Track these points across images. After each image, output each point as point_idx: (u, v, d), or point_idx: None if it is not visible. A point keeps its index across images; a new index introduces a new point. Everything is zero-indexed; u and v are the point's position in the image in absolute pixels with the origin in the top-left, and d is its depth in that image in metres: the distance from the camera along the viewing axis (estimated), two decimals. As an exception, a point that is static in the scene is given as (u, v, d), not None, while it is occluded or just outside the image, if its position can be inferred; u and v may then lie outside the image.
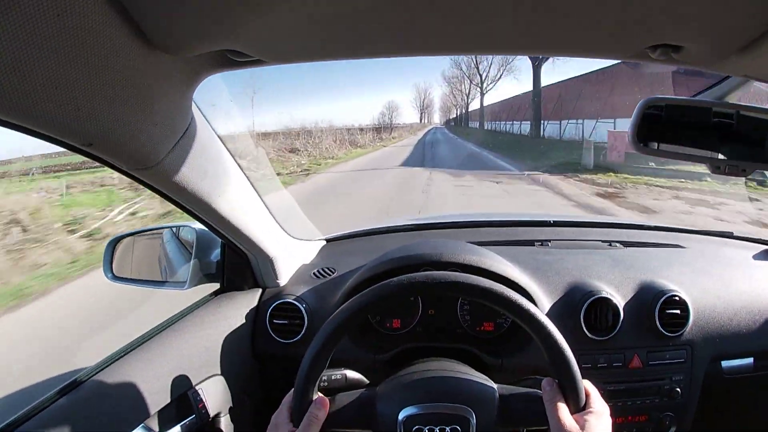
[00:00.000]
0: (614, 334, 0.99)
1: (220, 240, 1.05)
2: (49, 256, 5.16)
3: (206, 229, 0.94)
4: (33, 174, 10.41)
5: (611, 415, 0.64)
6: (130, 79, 0.49)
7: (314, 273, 1.15)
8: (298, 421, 0.64)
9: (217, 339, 0.98)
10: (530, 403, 0.67)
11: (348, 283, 1.06)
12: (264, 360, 1.09)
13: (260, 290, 1.12)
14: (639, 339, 1.01)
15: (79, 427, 0.69)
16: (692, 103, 0.68)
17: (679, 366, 1.01)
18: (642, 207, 7.00)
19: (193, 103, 0.66)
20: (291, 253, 1.17)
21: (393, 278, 0.66)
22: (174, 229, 1.30)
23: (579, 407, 0.63)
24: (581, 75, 17.99)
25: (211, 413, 0.90)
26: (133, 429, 0.76)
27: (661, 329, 0.99)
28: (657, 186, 8.68)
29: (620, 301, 1.00)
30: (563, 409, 0.61)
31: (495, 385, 0.71)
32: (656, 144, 0.68)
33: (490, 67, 33.43)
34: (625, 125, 0.71)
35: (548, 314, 0.99)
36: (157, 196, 0.72)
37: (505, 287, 0.65)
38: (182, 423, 0.84)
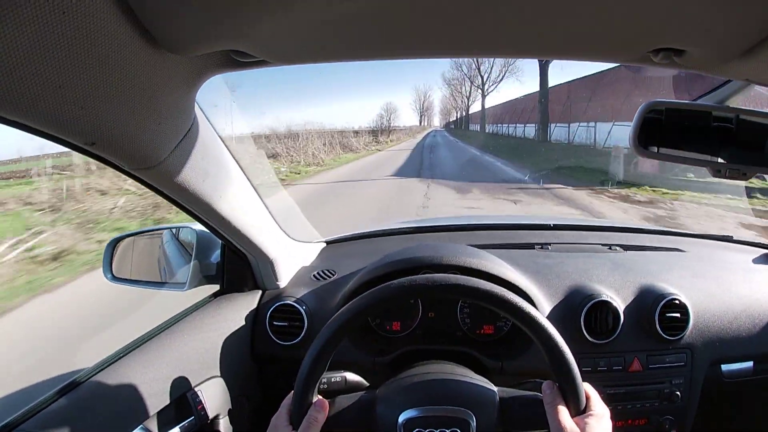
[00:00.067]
0: (614, 338, 0.99)
1: (220, 241, 1.05)
2: None
3: (206, 230, 0.94)
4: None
5: (611, 418, 0.64)
6: (134, 78, 0.49)
7: (314, 275, 1.15)
8: (297, 423, 0.64)
9: (216, 341, 0.98)
10: (530, 406, 0.67)
11: (348, 285, 1.06)
12: (263, 362, 1.09)
13: (260, 292, 1.12)
14: (639, 342, 1.01)
15: (78, 428, 0.69)
16: (692, 107, 0.68)
17: (679, 369, 1.01)
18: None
19: (195, 103, 0.66)
20: (291, 255, 1.16)
21: (393, 281, 0.66)
22: (174, 230, 1.30)
23: (579, 410, 0.63)
24: (593, 74, 15.98)
25: (210, 415, 0.90)
26: (132, 430, 0.75)
27: (661, 333, 0.99)
28: (707, 204, 6.86)
29: (620, 305, 1.00)
30: (564, 412, 0.61)
31: (495, 388, 0.71)
32: (656, 148, 0.68)
33: (491, 69, 33.00)
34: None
35: (548, 317, 0.98)
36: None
37: (505, 290, 0.65)
38: (181, 424, 0.84)
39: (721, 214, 6.30)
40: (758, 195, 6.65)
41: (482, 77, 33.99)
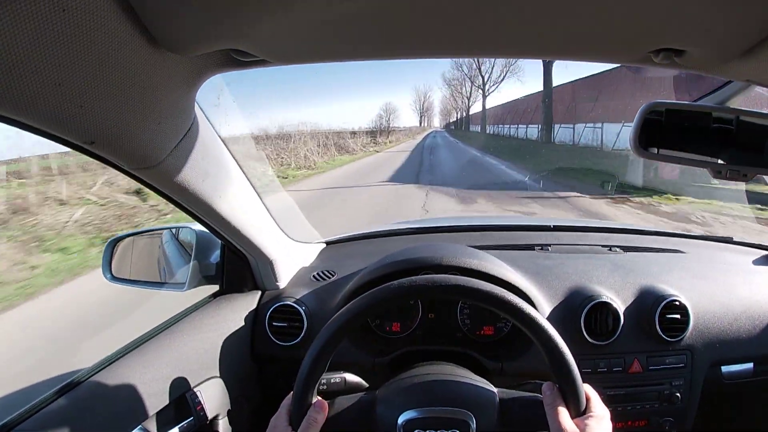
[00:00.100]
0: (614, 339, 0.99)
1: (220, 242, 1.05)
2: None
3: (206, 230, 0.94)
4: None
5: (611, 419, 0.63)
6: (134, 77, 0.49)
7: (314, 276, 1.15)
8: (297, 424, 0.64)
9: (216, 341, 0.97)
10: (530, 408, 0.67)
11: (348, 286, 1.06)
12: (263, 362, 1.09)
13: (260, 292, 1.12)
14: (639, 344, 1.01)
15: (77, 428, 0.69)
16: (692, 107, 0.68)
17: (678, 371, 1.01)
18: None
19: (195, 103, 0.66)
20: (291, 256, 1.16)
21: (393, 281, 0.66)
22: (173, 230, 1.30)
23: (579, 412, 0.62)
24: (599, 73, 15.09)
25: (209, 415, 0.90)
26: (131, 430, 0.75)
27: (661, 334, 0.99)
28: (741, 217, 5.92)
29: (620, 306, 1.00)
30: (564, 414, 0.61)
31: (495, 389, 0.71)
32: (656, 149, 0.68)
33: (492, 69, 32.56)
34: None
35: (548, 318, 0.98)
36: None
37: (505, 291, 0.65)
38: (180, 425, 0.84)
39: (762, 229, 5.61)
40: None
41: (483, 77, 33.69)
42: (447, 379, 0.73)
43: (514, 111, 27.25)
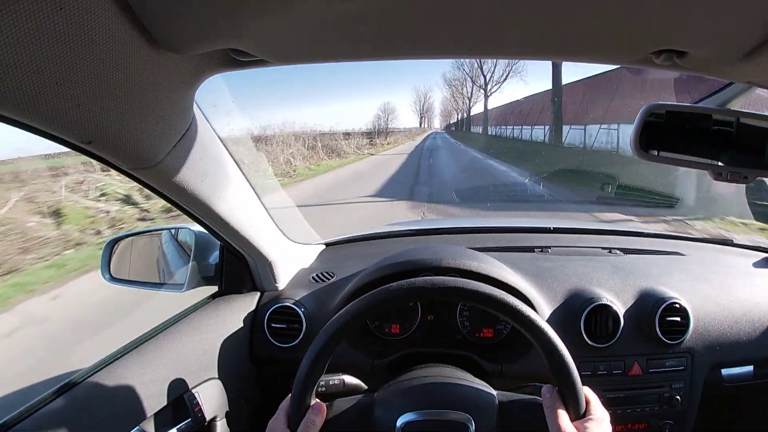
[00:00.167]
0: (614, 342, 0.99)
1: (219, 243, 1.05)
2: None
3: (205, 231, 0.94)
4: None
5: (611, 422, 0.63)
6: (132, 76, 0.48)
7: (313, 277, 1.15)
8: (295, 426, 0.64)
9: (214, 342, 0.97)
10: (530, 410, 0.67)
11: (347, 287, 1.06)
12: (262, 364, 1.09)
13: (258, 294, 1.11)
14: (639, 346, 1.00)
15: (75, 428, 0.69)
16: (692, 109, 0.68)
17: (679, 374, 1.00)
18: None
19: (194, 103, 0.66)
20: (290, 257, 1.16)
21: (392, 283, 0.66)
22: (173, 231, 1.30)
23: (579, 414, 0.62)
24: (613, 69, 11.72)
25: (207, 417, 0.89)
26: (129, 431, 0.75)
27: (661, 337, 0.98)
28: None
29: (620, 308, 1.00)
30: (563, 417, 0.61)
31: (494, 392, 0.70)
32: (657, 151, 0.68)
33: (494, 68, 31.70)
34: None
35: (548, 321, 0.98)
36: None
37: (505, 293, 0.64)
38: (178, 426, 0.84)
39: None
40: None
41: (485, 77, 32.95)
42: (446, 382, 0.73)
43: (517, 111, 25.86)
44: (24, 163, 6.86)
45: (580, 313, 0.99)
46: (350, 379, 0.78)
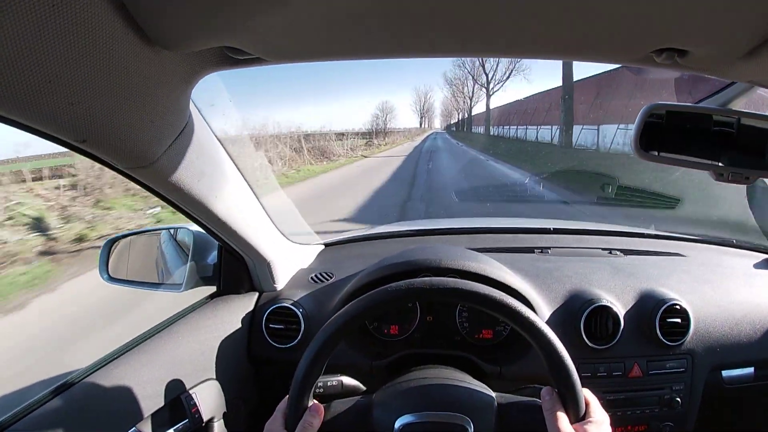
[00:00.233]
0: (614, 343, 0.98)
1: (217, 243, 1.04)
2: None
3: (203, 231, 0.94)
4: None
5: (611, 424, 0.63)
6: (126, 74, 0.48)
7: (312, 277, 1.15)
8: (292, 428, 0.63)
9: (212, 343, 0.97)
10: (529, 413, 0.66)
11: (346, 288, 1.05)
12: (260, 365, 1.08)
13: (257, 294, 1.11)
14: (639, 348, 1.00)
15: (71, 429, 0.69)
16: (693, 109, 0.68)
17: (679, 375, 1.00)
18: None
19: (191, 102, 0.66)
20: (288, 257, 1.16)
21: (391, 284, 0.66)
22: (172, 231, 1.29)
23: (579, 417, 0.62)
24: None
25: (205, 418, 0.89)
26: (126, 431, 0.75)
27: (661, 338, 0.98)
28: None
29: (620, 310, 0.99)
30: (563, 419, 0.61)
31: (493, 394, 0.70)
32: (657, 152, 0.67)
33: (497, 66, 30.63)
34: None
35: (548, 322, 0.98)
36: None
37: (504, 294, 0.64)
38: (175, 427, 0.83)
39: None
40: None
41: (487, 75, 31.87)
42: (444, 383, 0.73)
43: (521, 111, 24.26)
44: None
45: (580, 315, 0.98)
46: (348, 381, 0.78)
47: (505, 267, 1.05)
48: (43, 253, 5.30)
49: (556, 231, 1.39)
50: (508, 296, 0.64)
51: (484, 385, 0.73)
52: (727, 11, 0.40)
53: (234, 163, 0.87)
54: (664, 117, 0.66)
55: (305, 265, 1.22)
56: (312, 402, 0.66)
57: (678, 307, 0.99)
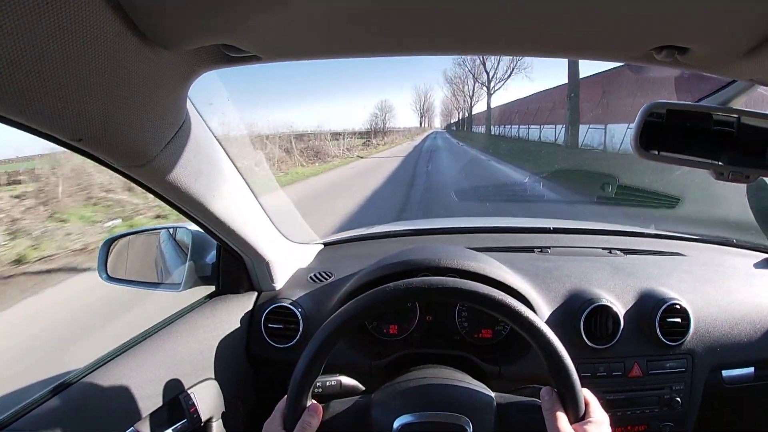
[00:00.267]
0: (614, 343, 0.98)
1: (216, 242, 1.04)
2: None
3: (202, 230, 0.93)
4: None
5: (610, 424, 0.63)
6: (122, 72, 0.48)
7: (311, 277, 1.14)
8: (290, 428, 0.63)
9: (211, 342, 0.97)
10: (528, 413, 0.66)
11: (345, 287, 1.05)
12: (258, 364, 1.08)
13: (256, 293, 1.11)
14: (639, 348, 0.99)
15: (69, 428, 0.69)
16: (693, 108, 0.67)
17: (679, 375, 1.00)
18: None
19: (188, 100, 0.65)
20: (287, 257, 1.15)
21: (390, 283, 0.65)
22: (171, 230, 1.29)
23: (578, 417, 0.62)
24: None
25: (203, 418, 0.89)
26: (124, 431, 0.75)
27: (661, 338, 0.98)
28: None
29: (620, 309, 0.99)
30: (562, 419, 0.60)
31: (492, 394, 0.70)
32: (657, 151, 0.67)
33: (498, 65, 30.36)
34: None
35: (547, 322, 0.97)
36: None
37: (503, 294, 0.64)
38: (173, 427, 0.83)
39: None
40: None
41: (488, 74, 31.66)
42: (443, 383, 0.72)
43: (523, 110, 24.13)
44: None
45: (580, 314, 0.98)
46: (347, 380, 0.77)
47: (505, 266, 1.04)
48: None
49: (556, 230, 1.39)
50: (507, 296, 0.63)
51: (483, 385, 0.72)
52: (728, 9, 0.40)
53: (232, 162, 0.87)
54: (664, 116, 0.65)
55: (304, 265, 1.22)
56: (310, 402, 0.65)
57: (678, 306, 0.98)
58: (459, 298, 0.66)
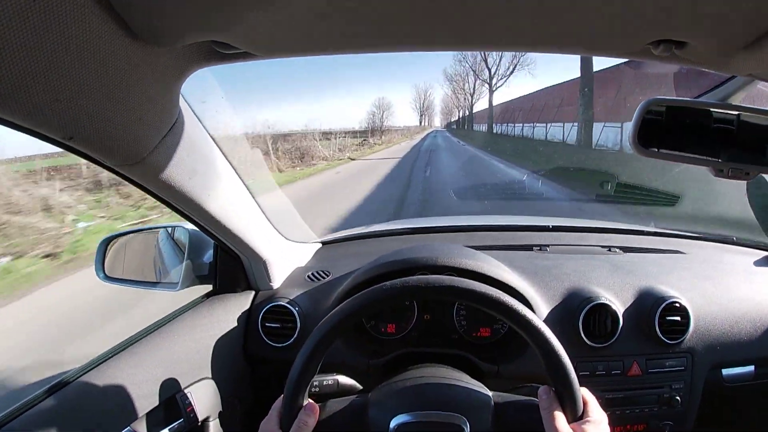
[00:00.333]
0: (613, 341, 0.98)
1: (213, 241, 1.04)
2: None
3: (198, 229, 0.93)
4: None
5: (609, 423, 0.62)
6: (112, 69, 0.47)
7: (308, 276, 1.14)
8: (287, 427, 0.63)
9: (208, 342, 0.96)
10: (526, 412, 0.66)
11: (342, 286, 1.05)
12: (256, 364, 1.08)
13: (253, 293, 1.10)
14: (638, 346, 0.99)
15: (66, 428, 0.68)
16: (693, 104, 0.67)
17: (678, 374, 0.99)
18: None
19: (181, 98, 0.65)
20: (285, 256, 1.15)
21: (387, 282, 0.65)
22: (169, 230, 1.29)
23: (576, 416, 0.61)
24: None
25: (200, 417, 0.88)
26: (120, 431, 0.74)
27: (660, 336, 0.97)
28: None
29: (619, 308, 0.99)
30: (560, 418, 0.60)
31: (490, 393, 0.69)
32: (656, 148, 0.66)
33: (500, 61, 29.60)
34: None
35: (546, 320, 0.97)
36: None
37: (501, 292, 0.63)
38: (170, 426, 0.83)
39: None
40: None
41: (489, 70, 31.09)
42: (441, 383, 0.72)
43: (527, 107, 22.88)
44: None
45: (579, 313, 0.98)
46: (344, 380, 0.77)
47: (503, 265, 1.04)
48: None
49: (555, 228, 1.39)
50: (505, 294, 0.63)
51: (480, 384, 0.72)
52: (726, 2, 0.39)
53: (228, 160, 0.86)
54: (663, 113, 0.65)
55: (302, 264, 1.22)
56: (307, 401, 0.65)
57: (678, 304, 0.98)
58: (456, 297, 0.65)
